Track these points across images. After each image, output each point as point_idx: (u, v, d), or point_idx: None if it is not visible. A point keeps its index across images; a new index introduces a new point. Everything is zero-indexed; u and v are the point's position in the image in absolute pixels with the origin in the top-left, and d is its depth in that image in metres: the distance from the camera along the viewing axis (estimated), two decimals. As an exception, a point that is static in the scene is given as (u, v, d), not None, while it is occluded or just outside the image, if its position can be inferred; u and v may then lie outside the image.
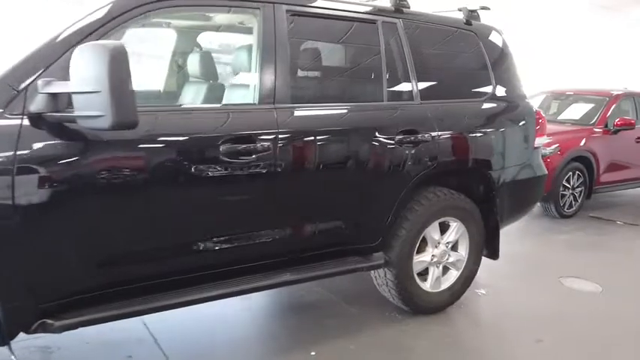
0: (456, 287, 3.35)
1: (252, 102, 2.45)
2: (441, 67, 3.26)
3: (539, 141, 3.63)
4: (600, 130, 6.60)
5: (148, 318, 2.94)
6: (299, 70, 2.70)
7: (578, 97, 7.41)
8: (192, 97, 2.89)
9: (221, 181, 2.30)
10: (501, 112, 3.38)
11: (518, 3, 9.99)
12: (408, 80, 2.97)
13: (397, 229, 3.00)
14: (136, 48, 2.54)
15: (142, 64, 2.93)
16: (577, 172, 6.24)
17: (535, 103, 7.70)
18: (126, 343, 2.74)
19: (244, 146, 2.31)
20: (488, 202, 3.37)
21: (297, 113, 2.54)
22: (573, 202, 6.26)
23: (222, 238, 2.36)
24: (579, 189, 6.29)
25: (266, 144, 2.37)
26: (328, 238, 2.75)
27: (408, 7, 3.10)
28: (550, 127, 6.58)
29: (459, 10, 3.44)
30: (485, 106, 3.32)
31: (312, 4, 2.68)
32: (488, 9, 3.42)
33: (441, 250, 3.20)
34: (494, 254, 3.52)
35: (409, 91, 2.98)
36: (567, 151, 6.11)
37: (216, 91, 2.77)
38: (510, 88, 3.49)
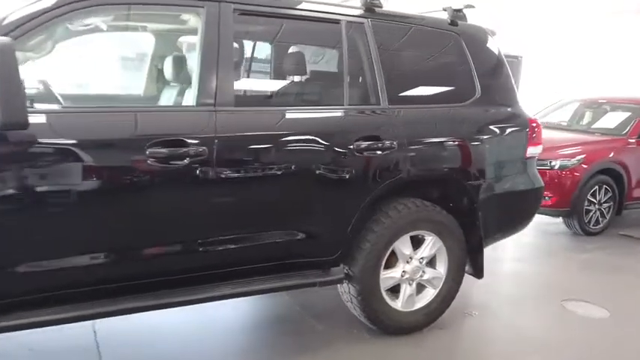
0: (433, 306, 3.09)
1: (191, 104, 2.34)
2: (414, 70, 3.05)
3: (534, 150, 3.33)
4: (634, 140, 6.10)
5: (101, 328, 2.91)
6: (248, 71, 2.58)
7: (611, 105, 6.91)
8: (134, 98, 2.79)
9: (147, 187, 2.19)
10: (485, 118, 3.12)
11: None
12: (374, 84, 2.77)
13: (361, 242, 2.80)
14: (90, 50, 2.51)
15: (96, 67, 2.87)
16: (605, 185, 5.78)
17: (567, 112, 7.33)
18: (70, 352, 2.67)
19: (174, 150, 2.20)
20: (470, 215, 3.11)
21: (240, 116, 2.41)
22: (600, 219, 5.78)
23: (149, 248, 2.26)
24: (607, 204, 5.82)
25: (200, 148, 2.25)
26: (277, 250, 2.59)
27: (381, 7, 2.92)
28: (576, 137, 6.23)
29: (444, 9, 3.23)
30: (466, 111, 3.07)
31: (266, 3, 2.55)
32: (473, 7, 3.19)
33: (413, 266, 2.96)
34: (478, 272, 3.24)
35: (375, 95, 2.79)
36: (593, 163, 5.65)
37: (156, 92, 2.69)
38: (499, 93, 3.23)
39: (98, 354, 2.67)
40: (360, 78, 2.77)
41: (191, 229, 2.34)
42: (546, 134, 6.68)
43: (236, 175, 2.36)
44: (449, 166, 2.96)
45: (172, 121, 2.30)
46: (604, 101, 7.05)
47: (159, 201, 2.25)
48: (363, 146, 2.64)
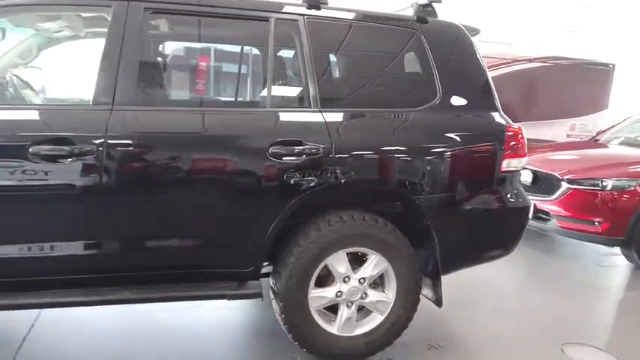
0: (377, 334, 2.76)
1: (87, 102, 2.33)
2: (357, 72, 2.78)
3: (514, 164, 2.87)
4: None
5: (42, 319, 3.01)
6: (158, 71, 2.50)
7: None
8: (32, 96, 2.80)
9: (30, 186, 2.20)
10: (443, 125, 2.74)
11: None
12: (304, 85, 2.57)
13: (286, 256, 2.59)
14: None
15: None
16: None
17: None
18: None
19: (59, 149, 2.19)
20: (424, 235, 2.75)
21: (140, 116, 2.35)
22: (669, 253, 4.89)
23: (37, 247, 2.26)
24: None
25: (90, 147, 2.22)
26: (185, 258, 2.48)
27: (326, 3, 2.71)
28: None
29: (412, 5, 2.92)
30: (418, 117, 2.72)
31: (182, 1, 2.47)
32: (440, 1, 2.84)
33: (351, 287, 2.68)
34: (437, 300, 2.85)
35: (305, 98, 2.57)
36: (657, 185, 4.81)
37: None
38: (468, 97, 2.84)
39: (19, 346, 2.75)
40: (289, 79, 2.59)
41: (81, 230, 2.31)
42: (608, 151, 5.93)
43: (129, 176, 2.30)
44: (390, 177, 2.64)
45: (61, 119, 2.30)
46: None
47: (45, 199, 2.25)
48: (280, 151, 2.44)
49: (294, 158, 2.46)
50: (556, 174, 5.06)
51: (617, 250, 5.04)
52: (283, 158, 2.45)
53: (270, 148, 2.43)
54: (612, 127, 6.71)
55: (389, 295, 2.76)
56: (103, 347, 2.83)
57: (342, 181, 2.53)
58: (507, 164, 2.82)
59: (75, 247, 2.29)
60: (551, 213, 5.06)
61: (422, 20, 2.85)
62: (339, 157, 2.52)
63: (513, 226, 2.96)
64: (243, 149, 2.43)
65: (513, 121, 2.89)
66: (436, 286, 2.84)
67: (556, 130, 8.13)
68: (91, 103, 2.30)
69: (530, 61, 8.09)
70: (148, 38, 2.41)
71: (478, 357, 3.03)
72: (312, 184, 2.49)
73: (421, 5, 2.87)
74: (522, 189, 2.99)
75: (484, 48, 9.20)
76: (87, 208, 2.28)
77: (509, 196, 2.87)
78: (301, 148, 2.47)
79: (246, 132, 2.47)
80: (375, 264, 2.69)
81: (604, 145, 6.24)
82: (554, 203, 5.05)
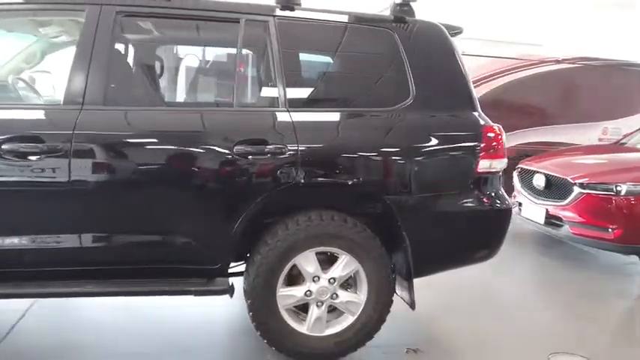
0: (348, 335, 2.74)
1: (58, 102, 2.43)
2: (328, 72, 2.79)
3: (493, 165, 2.79)
4: None
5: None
6: (129, 72, 2.59)
7: None
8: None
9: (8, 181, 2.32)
10: (416, 124, 2.70)
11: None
12: (272, 85, 2.60)
13: (254, 254, 2.62)
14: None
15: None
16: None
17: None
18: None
19: (30, 146, 2.30)
20: (395, 236, 2.72)
21: (108, 115, 2.44)
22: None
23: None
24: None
25: (58, 145, 2.32)
26: (153, 253, 2.54)
27: (299, 4, 2.73)
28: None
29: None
30: (390, 117, 2.70)
31: (153, 4, 2.55)
32: (415, 0, 2.81)
33: (320, 286, 2.67)
34: (411, 303, 2.81)
35: (273, 98, 2.61)
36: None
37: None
38: (444, 97, 2.79)
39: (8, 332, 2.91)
40: (257, 80, 2.62)
41: (47, 224, 2.42)
42: (630, 155, 5.66)
43: (97, 173, 2.39)
44: (357, 176, 2.61)
45: (32, 118, 2.42)
46: None
47: (17, 195, 2.37)
48: (245, 150, 2.48)
49: (258, 157, 2.49)
50: (568, 178, 4.88)
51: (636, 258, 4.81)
52: (248, 157, 2.49)
53: (235, 147, 2.47)
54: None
55: (360, 296, 2.74)
56: (89, 336, 2.95)
57: (307, 180, 2.54)
58: (484, 165, 2.74)
59: (45, 240, 2.40)
60: (563, 219, 4.89)
61: (399, 20, 2.83)
62: (303, 156, 2.53)
63: (491, 230, 2.88)
64: (209, 148, 2.47)
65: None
66: (410, 289, 2.80)
67: (587, 134, 7.81)
68: (62, 102, 2.41)
69: (558, 62, 7.82)
70: (123, 41, 2.49)
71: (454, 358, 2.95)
72: (276, 184, 2.51)
73: (398, 5, 2.84)
74: (502, 191, 2.90)
75: (512, 49, 8.94)
76: (54, 203, 2.39)
77: (486, 198, 2.80)
78: (266, 147, 2.49)
79: (211, 131, 2.52)
80: (344, 264, 2.68)
81: (628, 149, 5.97)
82: (566, 209, 4.87)
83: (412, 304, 2.81)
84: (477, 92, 3.02)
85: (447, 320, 3.43)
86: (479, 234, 2.88)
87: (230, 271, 2.71)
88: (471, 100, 2.84)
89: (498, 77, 7.47)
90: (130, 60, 2.71)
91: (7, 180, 2.33)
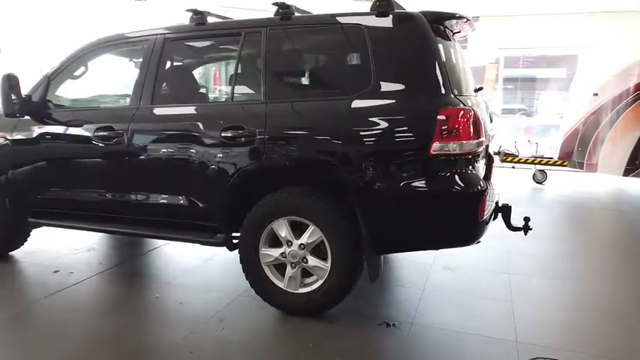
0: (316, 296, 3.14)
1: (125, 104, 3.61)
2: (300, 68, 3.25)
3: (452, 147, 2.76)
4: None
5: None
6: (167, 80, 3.59)
7: None
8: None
9: (96, 157, 3.61)
10: (372, 109, 2.92)
11: None
12: (258, 83, 3.20)
13: (243, 218, 3.29)
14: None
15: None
16: None
17: None
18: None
19: (107, 134, 3.52)
20: (351, 212, 3.00)
21: (151, 112, 3.48)
22: None
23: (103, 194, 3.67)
24: None
25: (121, 132, 3.48)
26: (176, 210, 3.44)
27: (292, 13, 3.26)
28: None
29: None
30: (348, 103, 2.96)
31: (189, 30, 3.50)
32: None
33: (292, 250, 3.16)
34: (370, 275, 3.03)
35: (258, 93, 3.22)
36: None
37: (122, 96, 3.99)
38: (406, 83, 2.93)
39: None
40: (249, 79, 3.29)
41: (114, 184, 3.63)
42: None
43: (142, 151, 3.46)
44: (314, 156, 3.01)
45: (106, 115, 3.65)
46: None
47: (100, 165, 3.64)
48: (229, 134, 3.18)
49: (238, 140, 3.16)
50: None
51: None
52: (231, 140, 3.19)
53: (222, 132, 3.20)
54: None
55: (327, 263, 3.11)
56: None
57: (272, 158, 3.08)
58: (438, 147, 2.78)
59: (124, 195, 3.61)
60: None
61: (372, 14, 3.06)
62: (271, 139, 3.09)
63: (447, 213, 2.85)
64: (207, 133, 3.26)
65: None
66: (370, 262, 3.02)
67: None
68: (128, 104, 3.59)
69: None
70: (167, 59, 3.54)
71: (422, 341, 2.98)
72: (249, 161, 3.14)
73: (377, 0, 3.09)
74: (471, 175, 2.83)
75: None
76: (118, 171, 3.57)
77: (442, 181, 2.81)
78: (242, 131, 3.15)
79: (210, 120, 3.31)
80: (310, 233, 3.10)
81: None
82: None
83: (370, 277, 3.03)
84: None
85: (443, 302, 3.39)
86: (433, 216, 2.89)
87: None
88: (436, 86, 2.88)
89: None
90: (169, 71, 3.72)
91: (96, 154, 3.62)
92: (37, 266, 4.12)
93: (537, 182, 8.40)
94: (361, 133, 2.92)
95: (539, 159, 8.32)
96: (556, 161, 8.20)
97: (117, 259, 4.38)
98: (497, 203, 3.55)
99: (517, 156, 8.44)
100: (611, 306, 3.49)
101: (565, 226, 6.10)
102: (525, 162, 8.37)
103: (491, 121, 4.02)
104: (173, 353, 2.79)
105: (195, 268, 4.13)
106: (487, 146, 4.09)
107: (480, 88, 3.74)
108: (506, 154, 8.45)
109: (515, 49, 11.70)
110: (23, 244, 4.31)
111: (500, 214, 3.52)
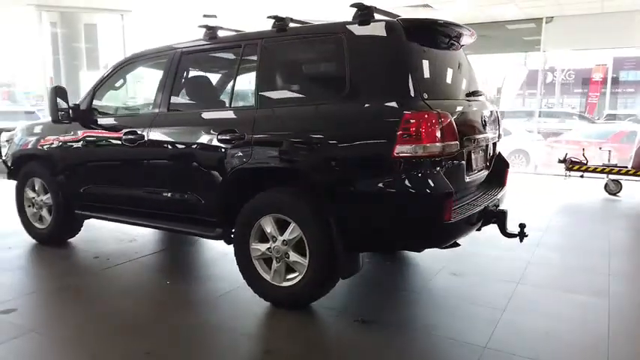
0: (296, 290, 3.33)
1: (147, 110, 4.08)
2: (287, 77, 3.48)
3: (414, 149, 2.82)
4: None
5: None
6: (181, 89, 3.99)
7: None
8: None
9: (124, 157, 4.13)
10: (342, 113, 3.10)
11: None
12: (251, 91, 3.50)
13: (237, 214, 3.58)
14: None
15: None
16: None
17: None
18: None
19: (132, 137, 4.01)
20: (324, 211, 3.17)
21: (168, 116, 3.90)
22: None
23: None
24: None
25: (143, 135, 3.95)
26: (182, 205, 3.83)
27: (287, 25, 3.51)
28: None
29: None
30: (322, 108, 3.17)
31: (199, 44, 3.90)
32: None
33: (276, 245, 3.38)
34: (343, 272, 3.19)
35: (252, 100, 3.50)
36: None
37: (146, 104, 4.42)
38: (378, 89, 3.08)
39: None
40: (246, 87, 3.59)
41: (136, 181, 4.11)
42: None
43: (156, 153, 3.90)
44: (289, 157, 3.22)
45: (133, 120, 4.12)
46: None
47: (126, 164, 4.13)
48: (224, 137, 3.50)
49: (231, 143, 3.47)
50: None
51: None
52: (225, 143, 3.50)
53: (218, 135, 3.53)
54: None
55: (306, 259, 3.29)
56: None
57: (256, 160, 3.34)
58: (401, 150, 2.86)
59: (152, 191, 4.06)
60: None
61: (362, 22, 3.22)
62: (255, 143, 3.36)
63: (412, 214, 2.91)
64: (207, 135, 3.61)
65: None
66: (340, 260, 3.15)
67: None
68: (150, 110, 4.06)
69: None
70: (182, 70, 3.97)
71: (395, 337, 3.04)
72: (239, 162, 3.43)
73: (358, 10, 3.24)
74: (436, 178, 2.87)
75: None
76: (138, 168, 4.05)
77: (405, 183, 2.88)
78: (232, 135, 3.45)
79: (212, 123, 3.66)
80: (291, 230, 3.31)
81: None
82: None
83: (341, 273, 3.18)
84: None
85: (423, 302, 3.39)
86: (396, 217, 2.96)
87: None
88: (406, 91, 2.97)
89: None
90: (183, 81, 4.11)
91: (124, 155, 4.12)
92: (83, 252, 4.75)
93: (610, 193, 7.80)
94: (330, 136, 3.09)
95: (610, 167, 7.71)
96: (629, 170, 7.55)
97: (151, 249, 4.89)
98: (494, 208, 3.51)
99: (585, 164, 7.89)
100: (609, 326, 3.29)
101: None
102: (594, 171, 7.81)
103: (497, 124, 3.96)
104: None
105: (214, 261, 4.52)
106: (496, 151, 4.03)
107: (477, 92, 3.70)
108: (573, 162, 7.94)
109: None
110: (77, 233, 4.97)
111: (495, 220, 3.48)
